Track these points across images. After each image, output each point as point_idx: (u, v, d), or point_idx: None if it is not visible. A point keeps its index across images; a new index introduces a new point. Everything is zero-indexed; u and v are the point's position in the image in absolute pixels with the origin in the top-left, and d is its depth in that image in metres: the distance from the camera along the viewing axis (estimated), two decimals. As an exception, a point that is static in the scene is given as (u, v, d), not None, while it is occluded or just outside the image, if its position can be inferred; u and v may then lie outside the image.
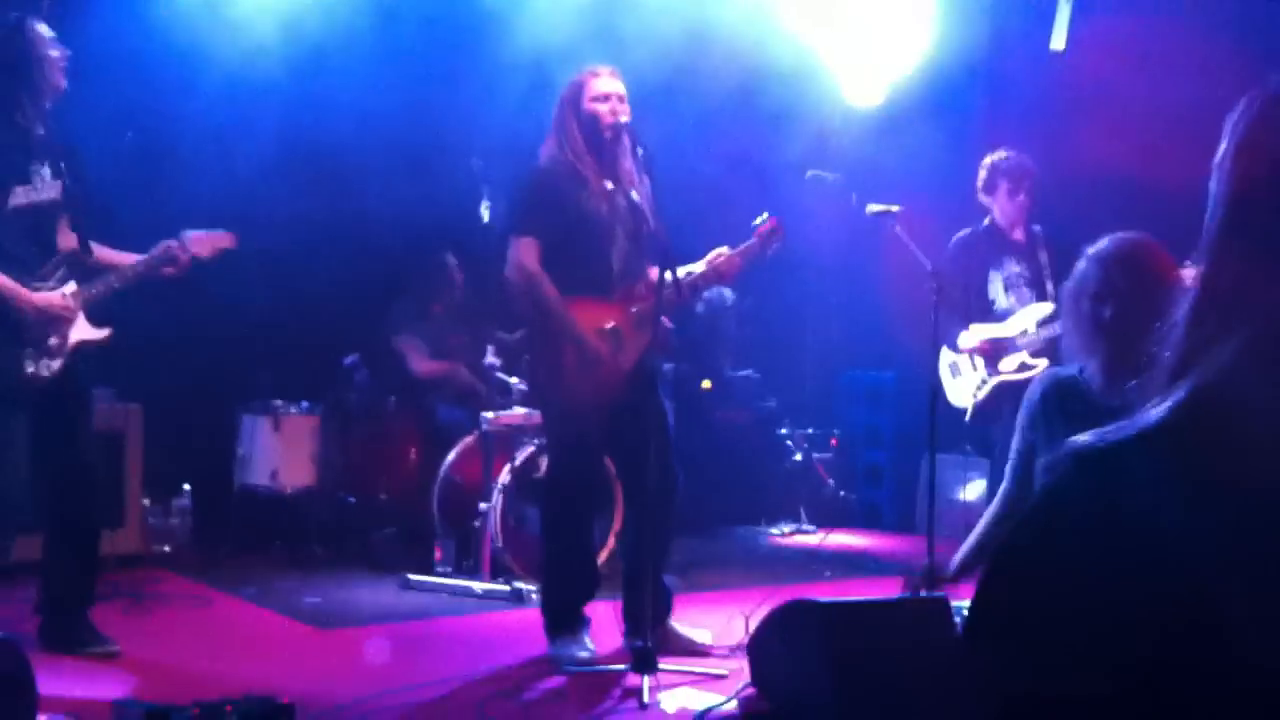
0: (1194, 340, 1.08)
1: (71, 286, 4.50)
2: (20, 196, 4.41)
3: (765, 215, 4.89)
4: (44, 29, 4.45)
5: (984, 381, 5.99)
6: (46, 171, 4.47)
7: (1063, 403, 3.30)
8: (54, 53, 4.44)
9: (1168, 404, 1.02)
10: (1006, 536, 1.11)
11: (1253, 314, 1.03)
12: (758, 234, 4.85)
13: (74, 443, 4.58)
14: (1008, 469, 3.54)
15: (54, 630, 4.57)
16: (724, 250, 4.84)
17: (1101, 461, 1.03)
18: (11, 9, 4.61)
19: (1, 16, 4.52)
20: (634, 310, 4.66)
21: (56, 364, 4.43)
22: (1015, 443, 3.50)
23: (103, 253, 4.69)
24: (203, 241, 4.80)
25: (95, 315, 4.59)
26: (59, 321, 4.43)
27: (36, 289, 4.40)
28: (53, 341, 4.43)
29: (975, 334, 5.97)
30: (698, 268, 4.82)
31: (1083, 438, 1.05)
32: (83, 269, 4.58)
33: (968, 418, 6.02)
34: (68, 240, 4.55)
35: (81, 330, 4.52)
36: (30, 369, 4.37)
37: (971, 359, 6.03)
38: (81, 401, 4.66)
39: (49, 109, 4.50)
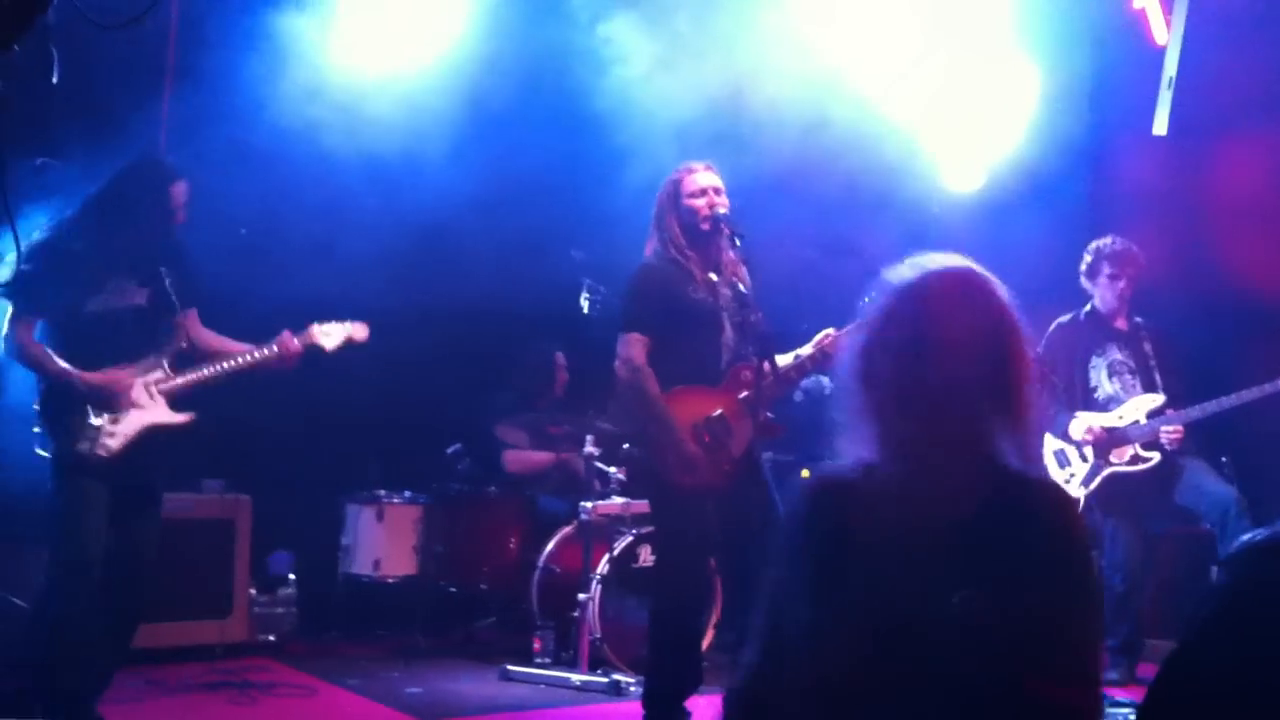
0: None
1: (156, 374, 4.68)
2: (94, 304, 4.61)
3: (874, 295, 4.86)
4: (179, 187, 4.73)
5: (1094, 473, 5.86)
6: (132, 283, 4.69)
7: None
8: (175, 198, 4.72)
9: None
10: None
11: None
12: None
13: (127, 525, 4.63)
14: None
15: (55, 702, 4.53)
16: (831, 331, 4.83)
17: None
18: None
19: (145, 156, 4.90)
20: (741, 397, 4.67)
21: (115, 443, 4.53)
22: None
23: (214, 342, 4.89)
24: (331, 334, 4.98)
25: (180, 402, 4.72)
26: (118, 400, 4.56)
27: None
28: (114, 421, 4.56)
29: (1085, 422, 5.86)
30: (805, 350, 4.84)
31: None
32: (184, 360, 4.76)
33: (1079, 508, 5.89)
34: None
35: (154, 414, 4.64)
36: (84, 446, 4.49)
37: (1080, 449, 5.91)
38: (145, 484, 4.73)
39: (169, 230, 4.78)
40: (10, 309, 4.58)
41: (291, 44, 6.19)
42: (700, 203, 4.72)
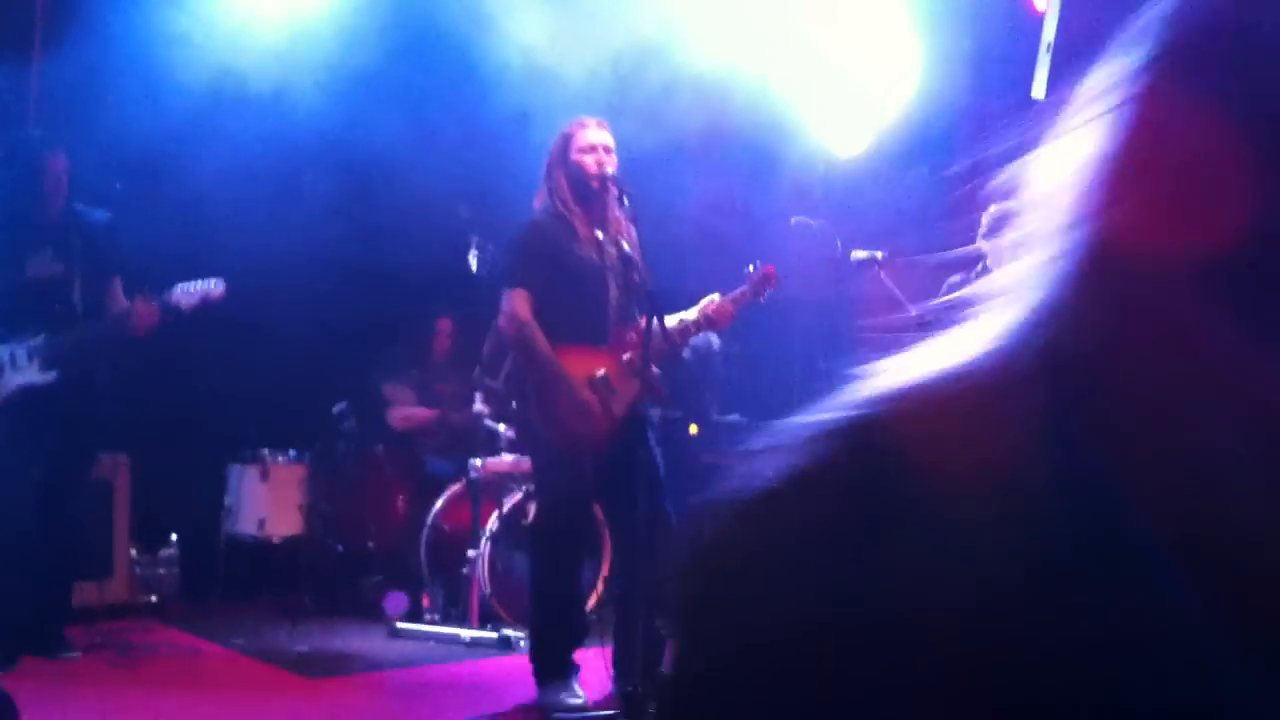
0: None
1: (39, 339, 5.00)
2: (17, 278, 4.99)
3: (759, 263, 4.96)
4: (55, 161, 5.06)
5: None
6: (49, 253, 5.01)
7: None
8: (52, 172, 5.05)
9: None
10: None
11: None
12: (750, 281, 4.92)
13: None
14: None
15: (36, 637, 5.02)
16: (716, 297, 4.89)
17: None
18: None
19: (13, 134, 5.23)
20: (625, 358, 4.70)
21: None
22: None
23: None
24: (190, 294, 5.07)
25: (49, 363, 5.02)
26: None
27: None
28: None
29: None
30: (690, 314, 4.87)
31: None
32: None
33: None
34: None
35: (25, 376, 4.99)
36: None
37: None
38: (23, 442, 5.00)
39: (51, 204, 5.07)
40: None
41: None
42: (589, 159, 4.72)
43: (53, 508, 5.10)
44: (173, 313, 5.06)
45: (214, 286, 5.13)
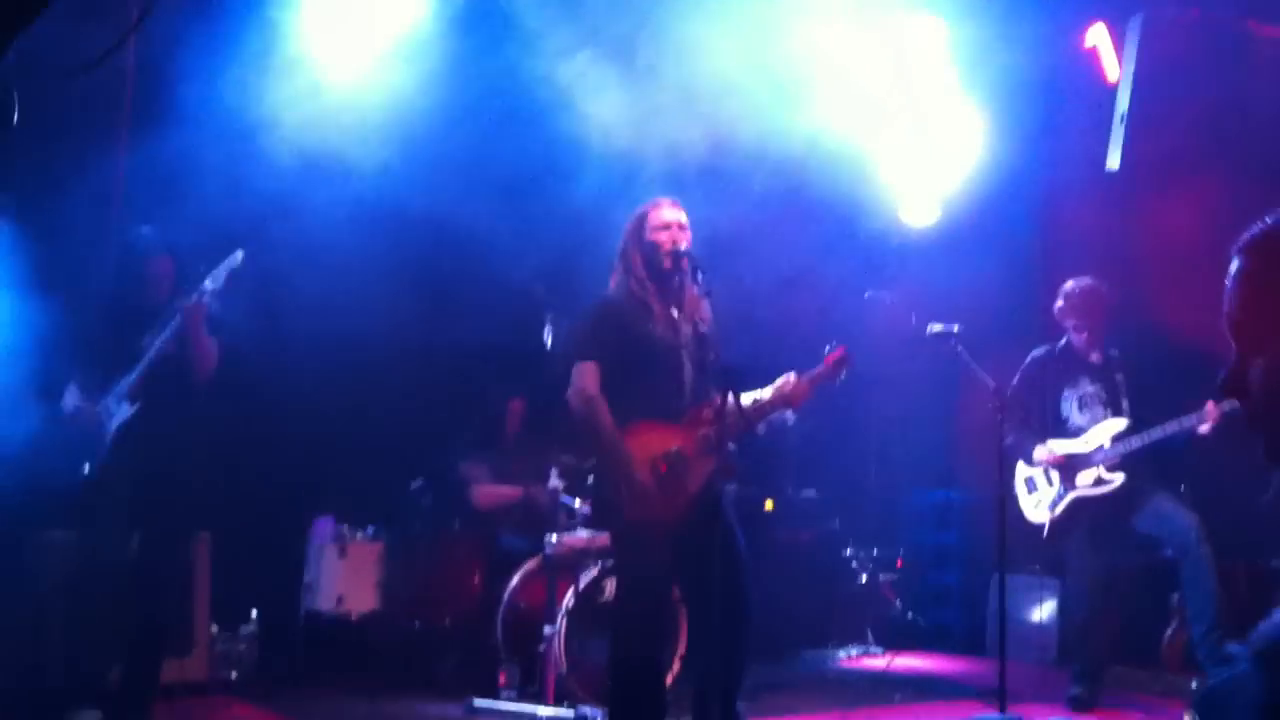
0: None
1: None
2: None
3: (834, 344, 4.94)
4: (158, 263, 5.36)
5: (1060, 497, 5.96)
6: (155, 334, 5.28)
7: None
8: (155, 274, 5.37)
9: None
10: None
11: None
12: (826, 362, 4.90)
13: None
14: None
15: None
16: (792, 377, 4.87)
17: None
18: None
19: (124, 239, 5.51)
20: (699, 434, 4.69)
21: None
22: None
23: None
24: (215, 278, 5.22)
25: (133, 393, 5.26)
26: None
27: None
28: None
29: (1048, 447, 5.98)
30: (765, 393, 4.85)
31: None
32: None
33: (1045, 534, 5.99)
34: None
35: (119, 416, 5.23)
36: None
37: (1047, 474, 6.03)
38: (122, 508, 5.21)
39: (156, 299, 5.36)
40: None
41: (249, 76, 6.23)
42: (664, 237, 4.75)
43: (150, 583, 5.19)
44: (208, 296, 5.18)
45: (234, 258, 5.25)
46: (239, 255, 5.24)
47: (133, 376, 5.23)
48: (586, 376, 4.67)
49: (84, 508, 5.18)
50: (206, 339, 5.24)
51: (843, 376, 4.92)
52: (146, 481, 5.14)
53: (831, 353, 4.91)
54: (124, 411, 5.21)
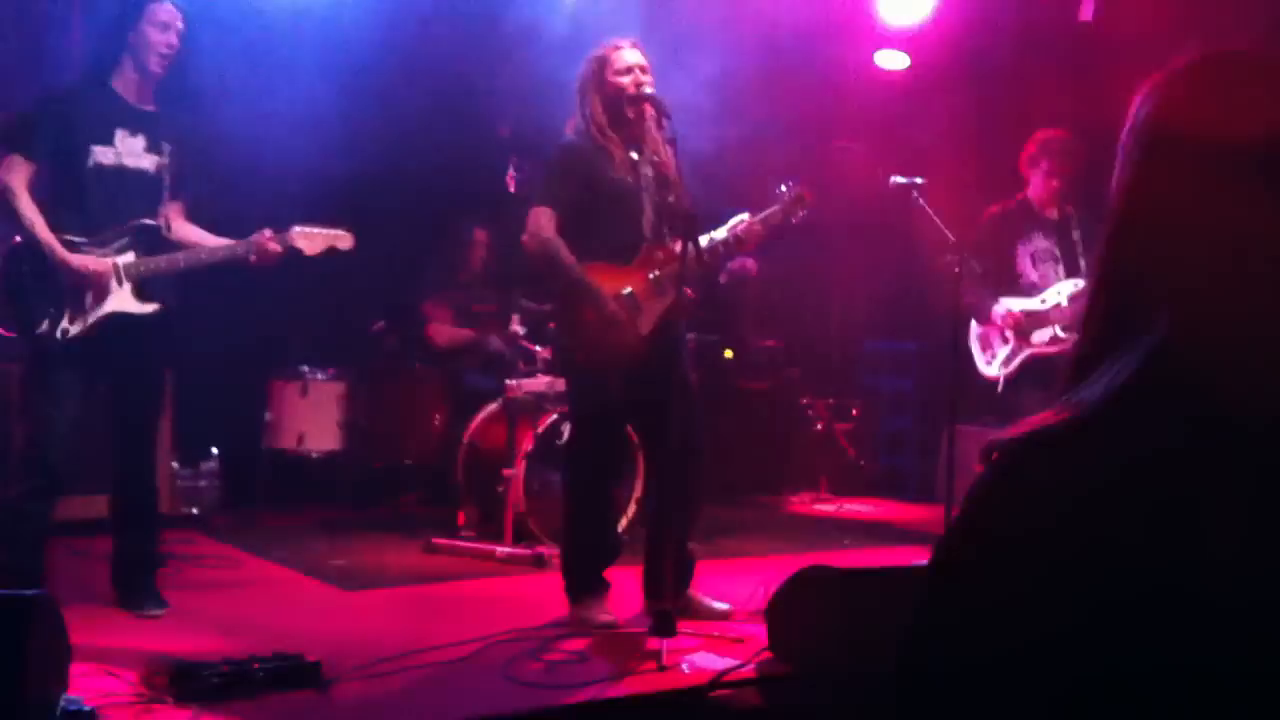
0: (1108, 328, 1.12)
1: (129, 257, 4.48)
2: (99, 156, 4.44)
3: (790, 184, 4.91)
4: (165, 8, 4.48)
5: (1014, 353, 6.02)
6: (140, 143, 4.52)
7: None
8: (158, 35, 4.47)
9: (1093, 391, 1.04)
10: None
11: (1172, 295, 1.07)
12: (781, 201, 4.88)
13: (121, 409, 4.64)
14: None
15: (122, 589, 4.69)
16: (745, 216, 4.87)
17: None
18: None
19: None
20: (652, 276, 4.69)
21: (76, 329, 4.39)
22: None
23: (190, 233, 4.70)
24: (313, 238, 4.73)
25: (147, 290, 4.54)
26: (91, 287, 4.41)
27: (87, 252, 4.41)
28: (83, 306, 4.41)
29: (1005, 306, 6.01)
30: (719, 234, 4.85)
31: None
32: (153, 243, 4.55)
33: (1000, 388, 6.06)
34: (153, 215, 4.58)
35: (119, 301, 4.47)
36: (49, 328, 4.36)
37: (1003, 332, 6.07)
38: (128, 369, 4.60)
39: (155, 85, 4.55)
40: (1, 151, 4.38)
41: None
42: (625, 80, 4.67)
43: (136, 445, 4.70)
44: (295, 254, 4.69)
45: (340, 235, 4.82)
46: (349, 240, 4.80)
47: (142, 264, 4.47)
48: (541, 219, 4.66)
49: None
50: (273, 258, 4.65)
51: (799, 217, 4.90)
52: (137, 332, 4.56)
53: (787, 192, 4.88)
54: (123, 301, 4.47)
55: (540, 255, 4.67)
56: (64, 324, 4.39)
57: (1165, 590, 0.95)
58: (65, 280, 4.37)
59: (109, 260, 4.44)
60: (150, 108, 4.59)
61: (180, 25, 4.53)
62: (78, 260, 4.38)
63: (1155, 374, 1.01)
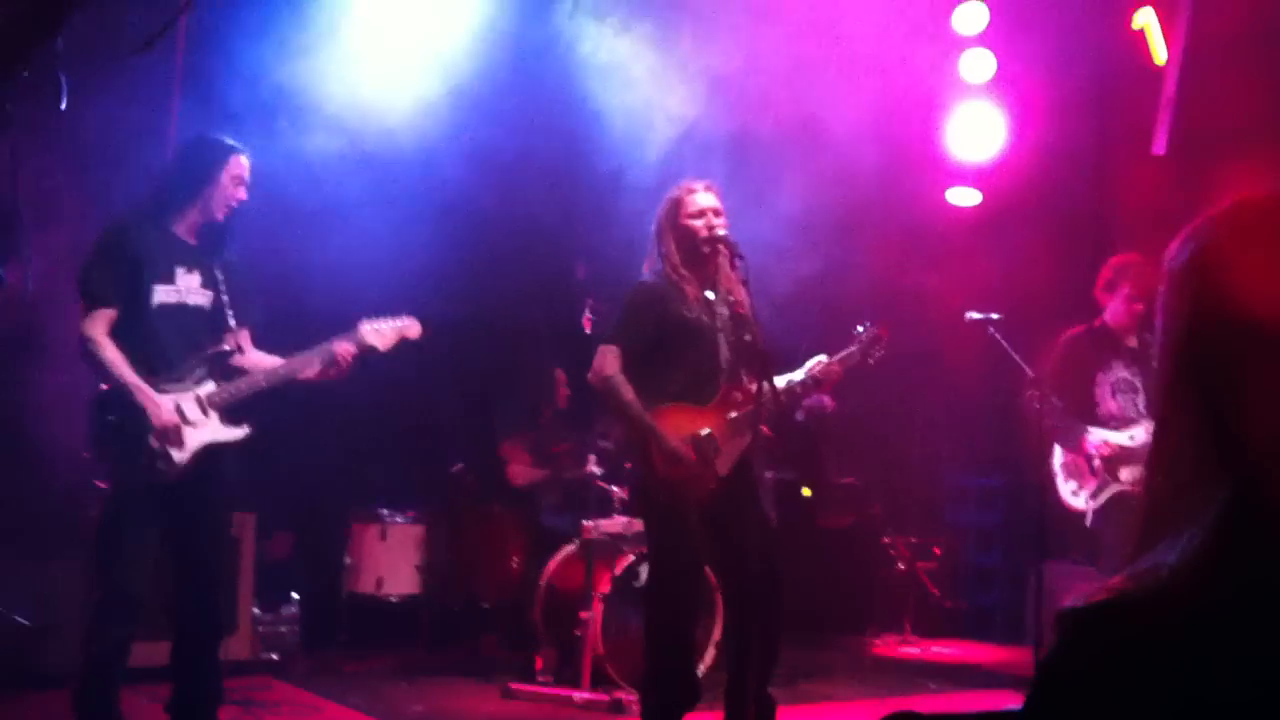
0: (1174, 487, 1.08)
1: (209, 387, 4.50)
2: (163, 295, 4.49)
3: (868, 324, 4.91)
4: (241, 159, 4.58)
5: (1102, 486, 5.85)
6: (196, 279, 4.56)
7: None
8: (232, 189, 4.56)
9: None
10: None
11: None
12: (859, 342, 4.88)
13: (199, 545, 4.55)
14: None
15: None
16: (823, 358, 4.86)
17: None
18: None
19: (207, 132, 4.69)
20: (730, 416, 4.68)
21: (176, 466, 4.38)
22: None
23: (261, 359, 4.72)
24: (382, 334, 4.72)
25: (234, 416, 4.55)
26: (180, 424, 4.40)
27: (165, 389, 4.41)
28: (174, 442, 4.40)
29: (1101, 436, 5.85)
30: (797, 375, 4.84)
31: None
32: (229, 370, 4.59)
33: (1088, 521, 5.87)
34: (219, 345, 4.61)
35: (211, 431, 4.47)
36: (146, 469, 4.36)
37: (1090, 463, 5.91)
38: (211, 503, 4.56)
39: (204, 226, 4.60)
40: (82, 306, 4.44)
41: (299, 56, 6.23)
42: (699, 224, 4.72)
43: (206, 577, 4.61)
44: (370, 354, 4.69)
45: (408, 324, 4.78)
46: (417, 327, 4.79)
47: (223, 390, 4.49)
48: (605, 357, 4.68)
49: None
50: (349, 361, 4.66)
51: (877, 357, 4.88)
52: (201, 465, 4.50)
53: (864, 333, 4.87)
54: (214, 431, 4.47)
55: (603, 393, 4.70)
56: (160, 464, 4.38)
57: None
58: (152, 420, 4.37)
59: (191, 393, 4.46)
60: (196, 242, 4.62)
61: (248, 178, 4.62)
62: (163, 399, 4.40)
63: (1223, 538, 0.99)
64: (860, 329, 4.90)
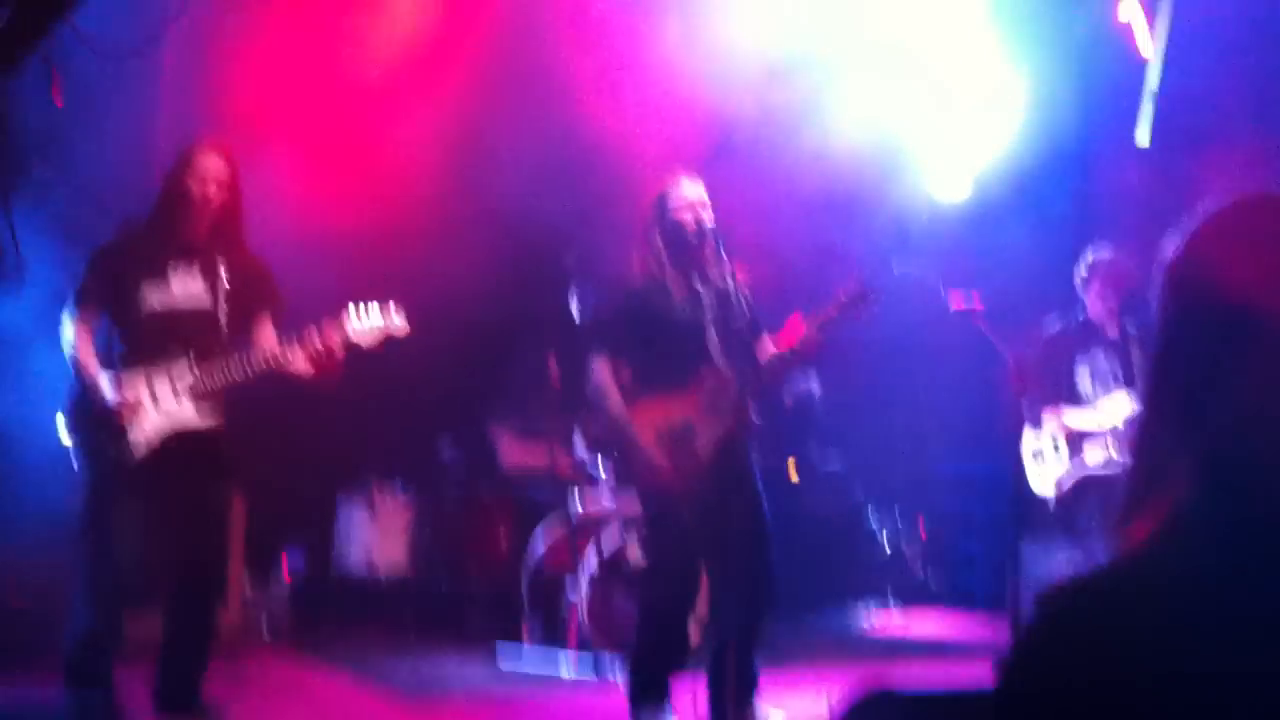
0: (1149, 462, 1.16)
1: (188, 376, 4.51)
2: (156, 298, 4.56)
3: (848, 283, 4.65)
4: (203, 157, 4.60)
5: (1068, 473, 5.96)
6: (195, 279, 4.61)
7: None
8: (200, 187, 4.58)
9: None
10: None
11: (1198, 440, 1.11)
12: (834, 302, 4.62)
13: (185, 522, 4.60)
14: None
15: (167, 692, 4.62)
16: (797, 317, 4.71)
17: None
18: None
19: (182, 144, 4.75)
20: (707, 400, 4.65)
21: (139, 445, 4.44)
22: None
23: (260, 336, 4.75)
24: (368, 333, 4.65)
25: (211, 403, 4.58)
26: (138, 406, 4.45)
27: (142, 374, 4.49)
28: (132, 420, 4.44)
29: (1061, 417, 5.98)
30: (773, 346, 4.77)
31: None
32: (209, 359, 4.57)
33: (1052, 508, 5.98)
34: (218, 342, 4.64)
35: (180, 416, 4.51)
36: (108, 444, 4.43)
37: (1055, 443, 6.01)
38: (191, 483, 4.59)
39: (198, 226, 4.64)
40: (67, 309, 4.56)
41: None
42: (687, 217, 4.71)
43: (203, 562, 4.66)
44: (352, 346, 4.62)
45: (395, 325, 4.69)
46: (402, 321, 4.70)
47: (198, 376, 4.51)
48: (598, 373, 4.72)
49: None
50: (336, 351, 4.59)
51: (856, 315, 4.64)
52: (195, 446, 4.59)
53: (843, 290, 4.62)
54: (184, 416, 4.52)
55: (595, 407, 4.79)
56: (119, 442, 4.43)
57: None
58: (96, 397, 4.43)
59: (166, 376, 4.50)
60: (193, 242, 4.66)
61: (223, 177, 4.63)
62: (133, 378, 4.46)
63: (1196, 519, 1.06)
64: (842, 295, 4.65)
